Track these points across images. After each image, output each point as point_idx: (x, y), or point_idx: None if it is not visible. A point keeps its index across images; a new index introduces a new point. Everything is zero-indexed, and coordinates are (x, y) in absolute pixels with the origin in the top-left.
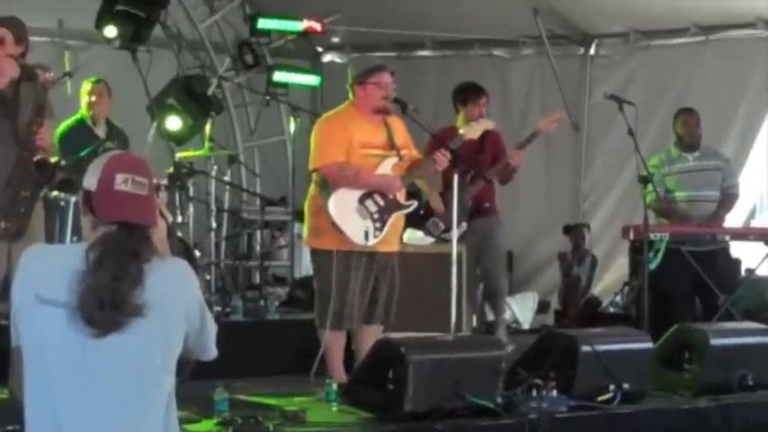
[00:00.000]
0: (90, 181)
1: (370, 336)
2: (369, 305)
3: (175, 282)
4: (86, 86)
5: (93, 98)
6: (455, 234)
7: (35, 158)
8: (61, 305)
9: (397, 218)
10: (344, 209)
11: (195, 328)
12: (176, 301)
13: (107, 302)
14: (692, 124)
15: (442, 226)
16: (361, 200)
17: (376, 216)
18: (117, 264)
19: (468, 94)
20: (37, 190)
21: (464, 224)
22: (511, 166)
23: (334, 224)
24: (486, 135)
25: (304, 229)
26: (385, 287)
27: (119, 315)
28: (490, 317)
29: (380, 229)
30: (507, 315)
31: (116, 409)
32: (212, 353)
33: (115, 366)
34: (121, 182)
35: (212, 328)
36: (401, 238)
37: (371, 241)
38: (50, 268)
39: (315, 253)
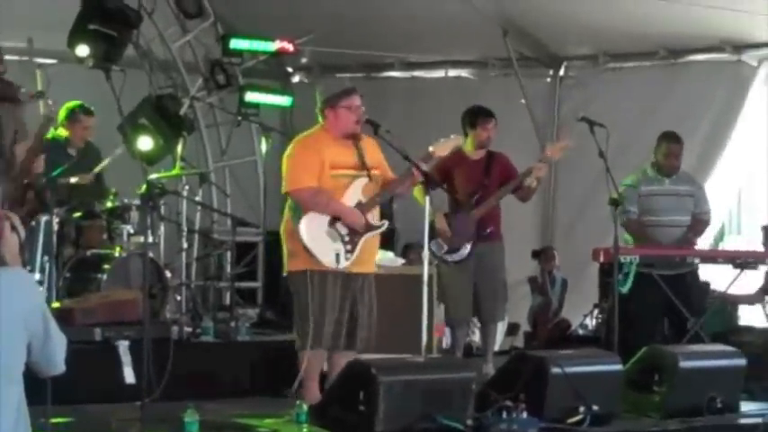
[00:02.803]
0: None
1: (345, 359)
2: (345, 328)
3: (12, 290)
4: (79, 114)
5: (86, 130)
6: (426, 255)
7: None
8: None
9: (370, 239)
10: (315, 232)
11: (38, 337)
12: (13, 309)
13: None
14: (674, 155)
15: (446, 247)
16: (332, 222)
17: (347, 238)
18: None
19: (476, 117)
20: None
21: (467, 246)
22: (526, 187)
23: (305, 248)
24: (491, 158)
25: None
26: (363, 312)
27: None
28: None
29: (351, 251)
30: (476, 337)
31: None
32: (59, 367)
33: None
34: None
35: (59, 341)
36: None
37: (342, 264)
38: None
39: (291, 275)
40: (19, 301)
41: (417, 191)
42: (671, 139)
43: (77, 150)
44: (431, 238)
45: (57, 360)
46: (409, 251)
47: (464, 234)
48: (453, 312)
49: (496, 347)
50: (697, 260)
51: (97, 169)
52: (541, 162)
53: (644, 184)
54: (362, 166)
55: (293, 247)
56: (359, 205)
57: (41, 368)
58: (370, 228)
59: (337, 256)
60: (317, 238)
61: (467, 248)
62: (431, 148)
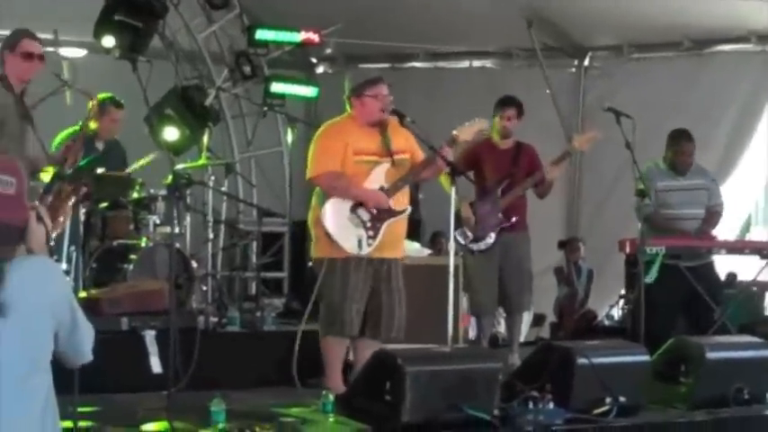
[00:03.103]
0: None
1: (371, 350)
2: (370, 317)
3: (39, 279)
4: (110, 107)
5: (115, 123)
6: (451, 246)
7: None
8: None
9: (393, 224)
10: (338, 218)
11: (65, 326)
12: (40, 298)
13: None
14: (686, 154)
15: (471, 236)
16: (353, 208)
17: (369, 224)
18: None
19: (498, 105)
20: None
21: (492, 235)
22: (547, 181)
23: (327, 234)
24: (520, 149)
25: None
26: (389, 301)
27: None
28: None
29: (374, 237)
30: (502, 328)
31: None
32: (86, 356)
33: None
34: None
35: (87, 330)
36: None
37: (365, 250)
38: None
39: (315, 261)
40: (46, 290)
41: (444, 179)
42: (684, 138)
43: (104, 144)
44: (456, 227)
45: (84, 350)
46: (437, 239)
47: (489, 223)
48: (479, 302)
49: (522, 338)
50: (724, 251)
51: (130, 169)
52: (568, 152)
53: (659, 178)
54: (387, 152)
55: (317, 233)
56: (381, 190)
57: (69, 358)
58: (392, 212)
59: (359, 242)
60: (339, 225)
61: (492, 237)
62: (455, 132)
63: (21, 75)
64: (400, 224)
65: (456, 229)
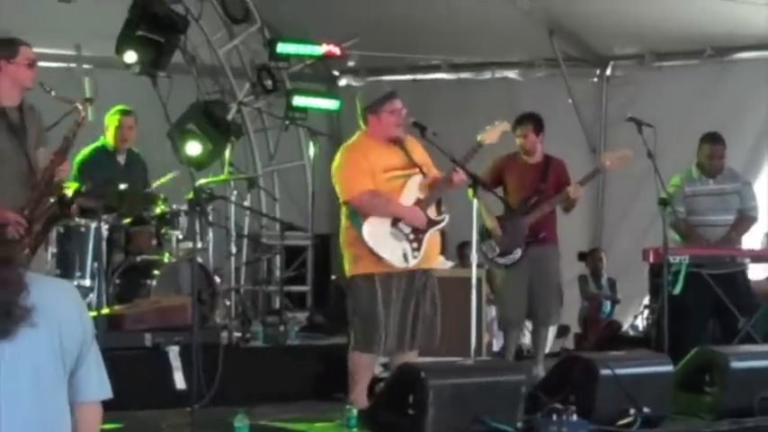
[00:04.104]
0: None
1: (408, 359)
2: (408, 329)
3: (66, 295)
4: (116, 116)
5: (124, 130)
6: (474, 258)
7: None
8: None
9: (432, 234)
10: (379, 235)
11: (83, 355)
12: (71, 315)
13: None
14: (717, 157)
15: (498, 249)
16: (394, 222)
17: (411, 236)
18: None
19: (513, 124)
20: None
21: (518, 251)
22: (572, 200)
23: (371, 251)
24: (549, 163)
25: (345, 265)
26: (425, 311)
27: (8, 322)
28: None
29: (418, 249)
30: (526, 339)
31: (16, 419)
32: (100, 392)
33: (10, 377)
34: None
35: (97, 371)
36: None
37: (411, 262)
38: None
39: (354, 278)
40: (73, 308)
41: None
42: (713, 140)
43: (126, 157)
44: (483, 239)
45: (89, 388)
46: (464, 251)
47: (516, 238)
48: (507, 315)
49: (547, 349)
50: (748, 260)
51: (154, 184)
52: (598, 169)
53: (688, 184)
54: (413, 164)
55: (357, 251)
56: (418, 202)
57: (76, 392)
58: (431, 223)
59: (405, 255)
60: (381, 242)
61: (518, 253)
62: (479, 137)
63: (23, 83)
64: (437, 233)
65: (482, 242)
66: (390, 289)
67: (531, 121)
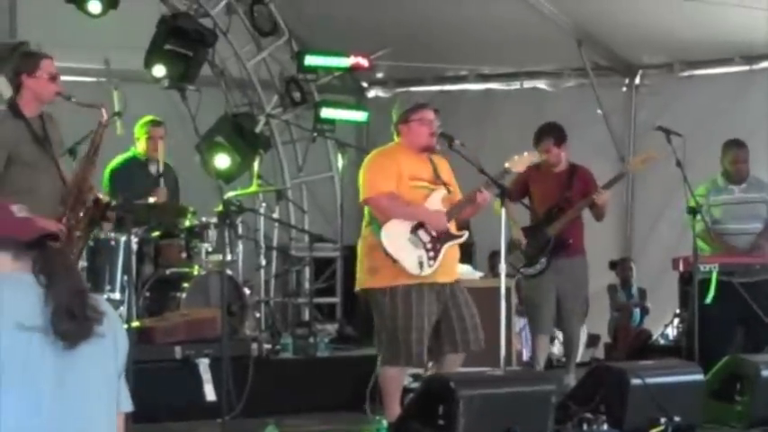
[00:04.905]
0: None
1: (457, 364)
2: (446, 336)
3: (109, 306)
4: (146, 126)
5: (155, 140)
6: (503, 268)
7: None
8: (37, 328)
9: (451, 248)
10: (397, 240)
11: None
12: (121, 325)
13: (77, 313)
14: (740, 161)
15: (524, 260)
16: (414, 230)
17: (429, 246)
18: (67, 275)
19: (535, 139)
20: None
21: (543, 260)
22: (598, 205)
23: (387, 254)
24: (574, 171)
25: (357, 275)
26: (457, 314)
27: (88, 322)
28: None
29: (434, 259)
30: (556, 349)
31: (88, 419)
32: (128, 404)
33: (87, 376)
34: (17, 210)
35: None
36: None
37: (426, 271)
38: (25, 296)
39: (373, 292)
40: (119, 322)
41: (496, 203)
42: (736, 146)
43: (156, 170)
44: (511, 250)
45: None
46: (495, 259)
47: (539, 248)
48: (535, 324)
49: (578, 359)
50: None
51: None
52: (623, 173)
53: (713, 194)
54: (439, 180)
55: (374, 262)
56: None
57: None
58: (450, 236)
59: (420, 262)
60: (399, 245)
61: (542, 263)
62: (507, 165)
63: (44, 96)
64: (456, 249)
65: (510, 252)
66: (410, 303)
67: (551, 135)
